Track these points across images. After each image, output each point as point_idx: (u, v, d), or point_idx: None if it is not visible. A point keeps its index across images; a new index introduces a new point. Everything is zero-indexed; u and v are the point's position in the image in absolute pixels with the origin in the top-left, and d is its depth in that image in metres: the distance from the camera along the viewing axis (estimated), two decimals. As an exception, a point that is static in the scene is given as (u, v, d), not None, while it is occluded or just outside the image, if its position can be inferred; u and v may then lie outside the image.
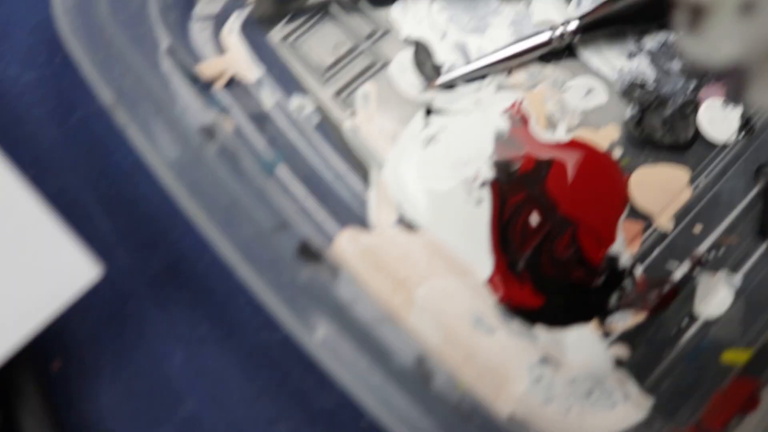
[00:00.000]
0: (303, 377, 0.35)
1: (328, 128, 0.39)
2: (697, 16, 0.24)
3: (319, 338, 0.31)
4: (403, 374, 0.32)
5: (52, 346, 0.35)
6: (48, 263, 0.30)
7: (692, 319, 0.38)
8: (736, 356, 0.37)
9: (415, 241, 0.37)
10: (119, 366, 0.35)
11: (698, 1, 0.23)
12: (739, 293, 0.38)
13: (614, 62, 0.42)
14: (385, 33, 0.41)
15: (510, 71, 0.41)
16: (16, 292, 0.29)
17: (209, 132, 0.34)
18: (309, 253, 0.33)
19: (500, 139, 0.39)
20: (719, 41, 0.23)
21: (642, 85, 0.41)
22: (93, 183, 0.37)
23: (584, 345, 0.37)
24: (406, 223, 0.37)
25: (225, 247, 0.31)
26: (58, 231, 0.30)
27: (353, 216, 0.37)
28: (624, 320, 0.37)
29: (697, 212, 0.40)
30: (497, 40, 0.42)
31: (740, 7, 0.22)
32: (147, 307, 0.35)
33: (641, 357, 0.37)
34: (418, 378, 0.32)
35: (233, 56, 0.39)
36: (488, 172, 0.39)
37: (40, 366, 0.34)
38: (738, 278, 0.38)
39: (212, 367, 0.35)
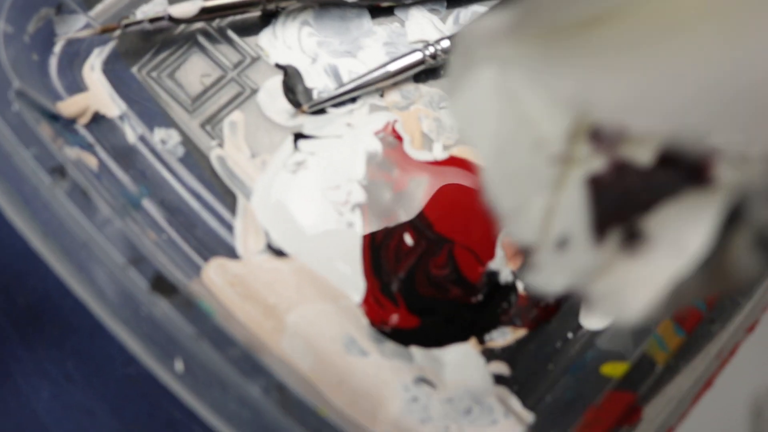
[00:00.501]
0: (173, 407, 0.37)
1: (195, 159, 0.41)
2: (526, 254, 0.27)
3: (178, 370, 0.33)
4: (263, 402, 0.34)
5: None
6: None
7: (578, 331, 0.40)
8: (613, 369, 0.39)
9: (284, 268, 0.39)
10: (-15, 405, 0.37)
11: (522, 244, 0.27)
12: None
13: (493, 77, 0.44)
14: (254, 60, 0.44)
15: (383, 92, 0.43)
16: None
17: (60, 171, 0.36)
18: (164, 286, 0.36)
19: (373, 161, 0.42)
20: (549, 275, 0.27)
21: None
22: (-47, 226, 0.40)
23: (462, 363, 0.39)
24: (275, 250, 0.40)
25: (78, 286, 0.34)
26: None
27: (223, 246, 0.39)
28: (504, 336, 0.39)
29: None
30: (370, 61, 0.44)
31: (556, 244, 0.26)
32: (12, 345, 0.38)
33: (524, 372, 0.39)
34: (278, 405, 0.34)
35: (95, 92, 0.41)
36: (360, 195, 0.41)
37: None
38: (625, 288, 0.40)
39: (80, 402, 0.37)
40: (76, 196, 0.36)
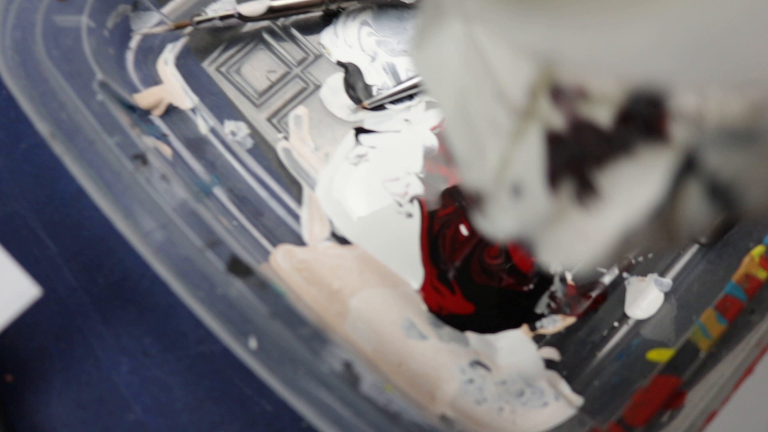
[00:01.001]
0: (244, 384, 0.41)
1: (263, 150, 0.44)
2: (479, 201, 0.29)
3: (252, 347, 0.37)
4: (332, 379, 0.37)
5: (4, 360, 0.40)
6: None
7: (623, 320, 0.43)
8: (659, 354, 0.42)
9: (347, 255, 0.43)
10: (68, 377, 0.40)
11: (477, 189, 0.29)
12: (669, 295, 0.43)
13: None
14: (317, 58, 0.47)
15: (438, 90, 0.47)
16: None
17: (142, 158, 0.40)
18: (239, 267, 0.39)
19: (429, 156, 0.46)
20: (499, 220, 0.29)
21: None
22: (40, 208, 0.43)
23: (515, 348, 0.42)
24: (338, 238, 0.43)
25: (159, 266, 0.36)
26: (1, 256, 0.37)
27: (289, 233, 0.43)
28: (554, 323, 0.43)
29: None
30: (426, 60, 0.48)
31: (510, 191, 0.28)
32: (94, 322, 0.41)
33: (573, 358, 0.42)
34: (346, 382, 0.37)
35: (169, 86, 0.45)
36: (418, 187, 0.45)
37: (-7, 379, 0.40)
38: (668, 281, 0.43)
39: (157, 376, 0.41)
40: (156, 182, 0.39)
